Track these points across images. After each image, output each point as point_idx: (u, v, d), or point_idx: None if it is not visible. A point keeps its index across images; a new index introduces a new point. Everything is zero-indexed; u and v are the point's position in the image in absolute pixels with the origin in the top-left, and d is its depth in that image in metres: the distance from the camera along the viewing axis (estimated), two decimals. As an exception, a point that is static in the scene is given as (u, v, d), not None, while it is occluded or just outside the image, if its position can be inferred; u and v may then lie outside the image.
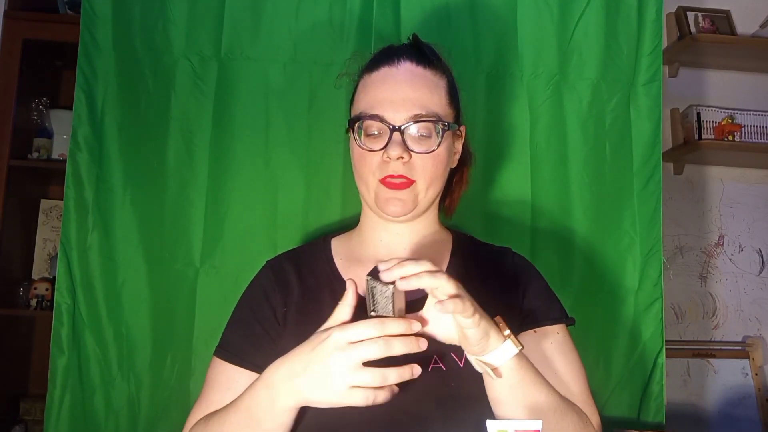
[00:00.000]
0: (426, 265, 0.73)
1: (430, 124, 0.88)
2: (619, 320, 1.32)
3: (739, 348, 2.06)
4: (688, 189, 2.11)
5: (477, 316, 0.72)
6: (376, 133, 0.89)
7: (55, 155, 1.81)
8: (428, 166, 0.89)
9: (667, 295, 1.36)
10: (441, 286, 0.72)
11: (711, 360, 2.05)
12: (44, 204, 1.93)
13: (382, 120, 0.87)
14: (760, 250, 2.13)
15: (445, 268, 0.95)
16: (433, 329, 0.78)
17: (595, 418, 0.90)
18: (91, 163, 1.23)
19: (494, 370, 0.76)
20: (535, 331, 0.92)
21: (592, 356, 1.31)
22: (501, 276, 0.96)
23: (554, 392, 0.83)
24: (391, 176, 0.88)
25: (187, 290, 1.23)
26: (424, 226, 0.97)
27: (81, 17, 1.25)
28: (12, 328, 1.78)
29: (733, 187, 2.13)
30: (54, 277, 1.41)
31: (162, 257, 1.23)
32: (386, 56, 0.93)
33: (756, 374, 2.02)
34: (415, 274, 0.72)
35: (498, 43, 1.32)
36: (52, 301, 1.42)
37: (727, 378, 2.05)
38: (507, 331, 0.77)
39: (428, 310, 0.79)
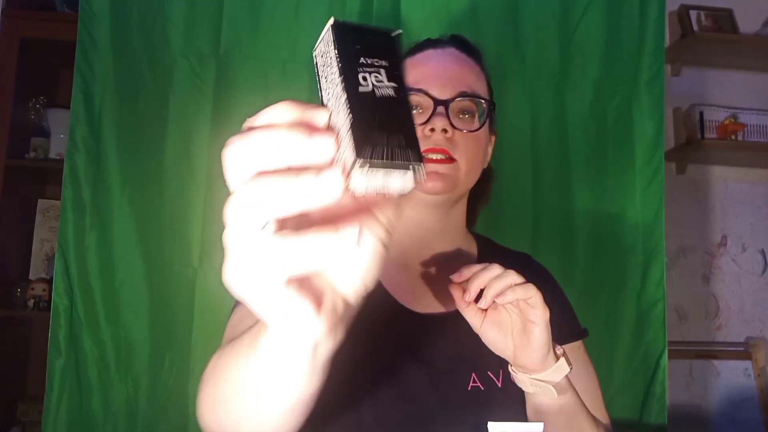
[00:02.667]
0: (514, 276, 0.71)
1: (472, 104, 0.85)
2: (622, 321, 1.31)
3: (742, 349, 2.05)
4: (691, 189, 2.10)
5: (547, 314, 0.70)
6: (417, 109, 0.85)
7: (52, 155, 1.80)
8: (470, 146, 0.84)
9: (669, 295, 1.35)
10: (532, 297, 0.70)
11: (714, 361, 2.04)
12: (41, 204, 1.91)
13: (426, 94, 0.83)
14: (763, 250, 2.12)
15: None
16: (488, 337, 0.75)
17: (609, 427, 0.91)
18: (88, 163, 1.22)
19: (555, 386, 0.73)
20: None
21: (594, 357, 1.29)
22: None
23: (590, 413, 0.81)
24: (433, 149, 0.83)
25: (186, 291, 1.23)
26: (454, 225, 0.93)
27: (79, 15, 1.24)
28: (9, 329, 1.77)
29: (736, 186, 2.12)
30: (51, 278, 1.40)
31: (160, 258, 1.22)
32: (429, 42, 0.91)
33: (759, 375, 2.02)
34: (510, 288, 0.70)
35: (499, 43, 1.31)
36: (49, 301, 1.40)
37: (729, 379, 2.04)
38: (560, 350, 0.74)
39: (486, 318, 0.75)
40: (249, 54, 1.26)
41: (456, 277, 0.74)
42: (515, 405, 0.78)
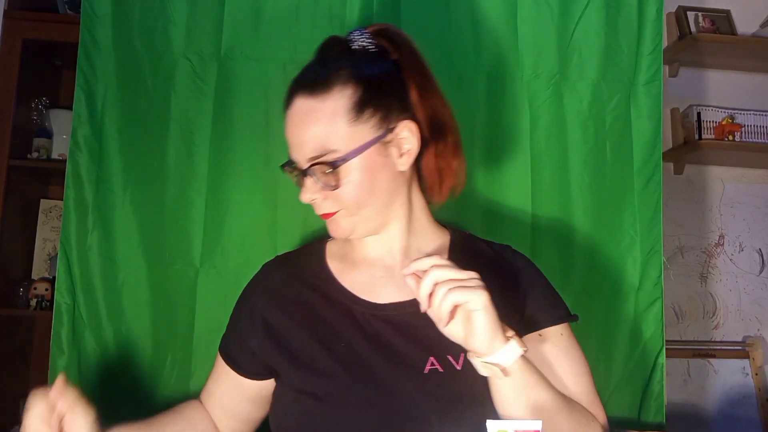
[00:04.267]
0: (452, 275, 0.74)
1: (326, 164, 0.85)
2: (620, 320, 1.32)
3: (740, 348, 2.06)
4: (689, 189, 2.12)
5: (485, 298, 0.73)
6: (296, 176, 0.91)
7: (54, 155, 1.81)
8: (346, 196, 0.86)
9: (667, 294, 1.36)
10: (469, 296, 0.73)
11: (711, 360, 2.05)
12: (44, 204, 1.93)
13: (293, 164, 0.89)
14: (760, 249, 2.13)
15: None
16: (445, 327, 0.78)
17: (601, 416, 0.90)
18: (90, 163, 1.22)
19: (503, 370, 0.76)
20: (540, 335, 0.91)
21: (592, 356, 1.28)
22: (501, 277, 0.93)
23: (557, 393, 0.83)
24: (320, 215, 0.90)
25: (187, 290, 1.23)
26: (414, 227, 0.95)
27: (81, 17, 1.25)
28: (12, 328, 1.78)
29: (733, 187, 2.13)
30: (54, 277, 1.41)
31: (162, 257, 1.23)
32: (288, 93, 0.90)
33: (756, 374, 2.03)
34: (450, 291, 0.73)
35: (498, 43, 1.32)
36: (51, 301, 1.41)
37: (727, 378, 2.05)
38: (510, 332, 0.77)
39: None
40: (250, 55, 1.27)
41: (406, 271, 0.78)
42: (475, 386, 0.80)
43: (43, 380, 1.20)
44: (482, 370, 0.77)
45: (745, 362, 2.05)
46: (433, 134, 0.90)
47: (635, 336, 1.32)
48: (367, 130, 0.86)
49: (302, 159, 0.87)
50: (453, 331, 0.77)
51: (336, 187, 0.85)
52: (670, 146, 2.09)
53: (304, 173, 0.87)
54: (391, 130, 0.87)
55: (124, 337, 1.21)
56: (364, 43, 0.91)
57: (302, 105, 0.87)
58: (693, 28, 2.06)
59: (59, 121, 1.82)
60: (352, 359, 0.86)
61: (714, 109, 2.06)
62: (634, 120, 1.35)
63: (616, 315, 1.32)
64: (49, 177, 1.89)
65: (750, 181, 2.14)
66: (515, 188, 1.31)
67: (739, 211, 2.12)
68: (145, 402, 1.21)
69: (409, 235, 0.94)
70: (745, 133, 2.05)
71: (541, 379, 0.81)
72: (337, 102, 0.85)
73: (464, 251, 0.97)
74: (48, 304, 1.70)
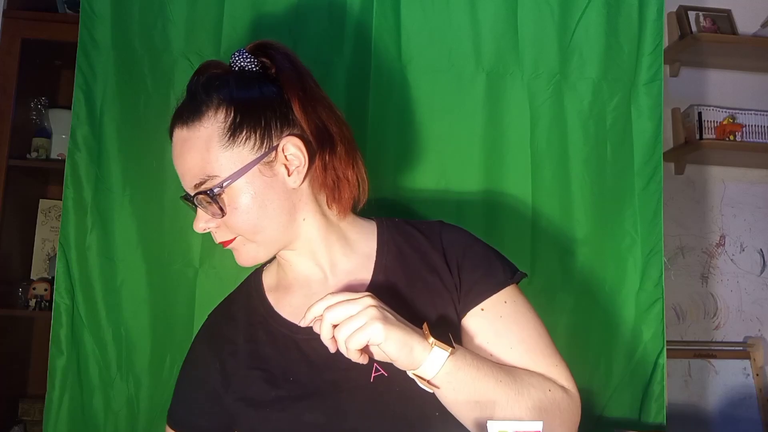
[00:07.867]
0: (346, 313, 0.73)
1: (205, 195, 0.84)
2: (620, 321, 1.32)
3: (740, 348, 2.06)
4: (690, 189, 2.12)
5: (378, 329, 0.71)
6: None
7: (53, 155, 1.81)
8: (236, 222, 0.85)
9: (668, 295, 1.35)
10: (372, 336, 0.72)
11: (712, 360, 2.05)
12: (43, 204, 1.92)
13: (187, 195, 0.89)
14: (761, 250, 2.13)
15: (371, 273, 0.91)
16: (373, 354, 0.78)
17: (563, 377, 0.85)
18: (89, 163, 1.22)
19: (428, 382, 0.75)
20: (482, 309, 0.87)
21: (592, 357, 1.30)
22: (433, 259, 0.91)
23: (505, 375, 0.80)
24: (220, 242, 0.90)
25: (187, 291, 1.23)
26: (334, 235, 0.92)
27: (80, 16, 1.25)
28: (11, 329, 1.78)
29: (735, 187, 2.13)
30: (53, 278, 1.41)
31: (161, 257, 1.23)
32: (169, 127, 0.90)
33: (757, 375, 2.03)
34: (347, 339, 0.72)
35: (498, 43, 1.32)
36: (50, 301, 1.41)
37: (728, 378, 2.05)
38: (431, 339, 0.75)
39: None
40: (249, 55, 1.27)
41: (303, 324, 0.77)
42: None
43: (43, 381, 1.20)
44: (419, 384, 0.75)
45: (746, 363, 2.05)
46: (321, 145, 0.87)
47: (636, 336, 1.32)
48: (245, 152, 0.84)
49: (189, 189, 0.87)
50: (378, 354, 0.76)
51: (223, 213, 0.84)
52: (671, 146, 2.09)
53: (192, 203, 0.86)
54: (274, 149, 0.85)
55: (123, 337, 1.21)
56: (244, 64, 0.90)
57: (179, 136, 0.87)
58: (694, 28, 2.06)
59: (58, 121, 1.82)
60: (300, 391, 0.85)
61: (715, 108, 2.06)
62: (634, 120, 1.35)
63: (617, 315, 1.32)
64: (48, 177, 1.89)
65: (751, 181, 2.14)
66: (515, 188, 1.31)
67: (740, 211, 2.12)
68: (145, 402, 1.21)
69: (331, 245, 0.92)
70: (746, 133, 2.04)
71: (481, 370, 0.78)
72: (210, 128, 0.84)
73: (392, 245, 0.94)
74: (47, 304, 1.70)
